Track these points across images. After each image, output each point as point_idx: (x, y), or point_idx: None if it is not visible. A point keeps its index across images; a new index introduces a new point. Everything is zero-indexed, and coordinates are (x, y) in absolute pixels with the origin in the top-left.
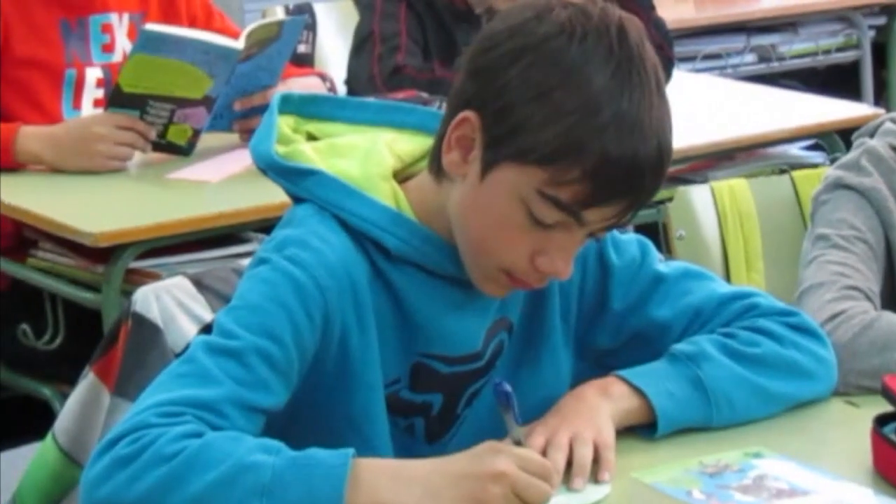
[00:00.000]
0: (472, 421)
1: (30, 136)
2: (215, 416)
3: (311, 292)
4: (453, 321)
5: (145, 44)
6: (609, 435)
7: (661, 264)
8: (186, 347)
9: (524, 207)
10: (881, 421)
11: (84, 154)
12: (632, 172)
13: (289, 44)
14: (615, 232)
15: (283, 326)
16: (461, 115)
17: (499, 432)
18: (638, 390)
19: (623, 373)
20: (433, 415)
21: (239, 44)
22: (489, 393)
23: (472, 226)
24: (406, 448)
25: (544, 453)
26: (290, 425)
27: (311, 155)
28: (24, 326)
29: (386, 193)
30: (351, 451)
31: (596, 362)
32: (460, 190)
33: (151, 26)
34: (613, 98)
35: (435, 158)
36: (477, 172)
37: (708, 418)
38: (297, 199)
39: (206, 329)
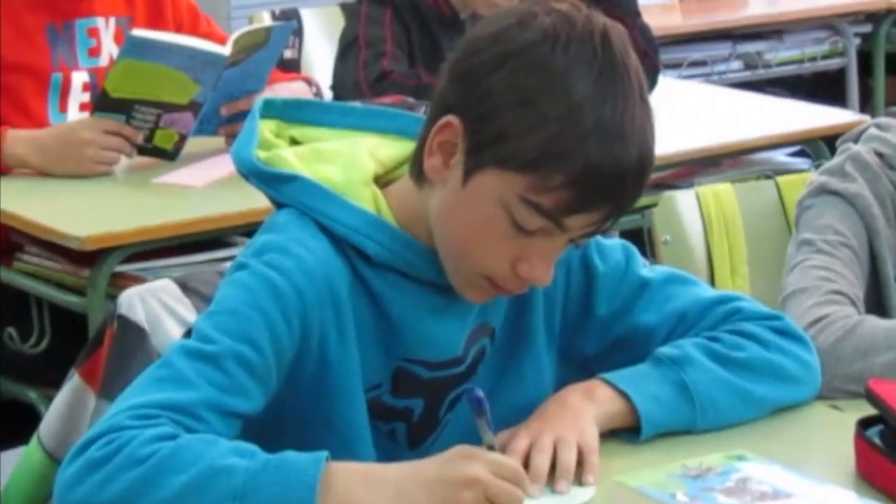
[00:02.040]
0: (454, 426)
1: (17, 140)
2: (191, 420)
3: (290, 298)
4: (434, 326)
5: (132, 49)
6: (593, 438)
7: (646, 269)
8: None
9: (506, 213)
10: (865, 424)
11: (70, 158)
12: (614, 180)
13: (276, 50)
14: (599, 238)
15: (261, 332)
16: (443, 119)
17: (480, 438)
18: (622, 394)
19: (607, 376)
20: (414, 420)
21: (226, 50)
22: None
23: (453, 231)
24: (388, 453)
25: (528, 456)
26: (271, 430)
27: (292, 160)
28: (10, 330)
29: (367, 199)
30: (325, 454)
31: (581, 368)
32: (441, 195)
33: (138, 32)
34: (596, 106)
35: (416, 163)
36: (459, 178)
37: (692, 422)
38: (278, 205)
39: (189, 334)
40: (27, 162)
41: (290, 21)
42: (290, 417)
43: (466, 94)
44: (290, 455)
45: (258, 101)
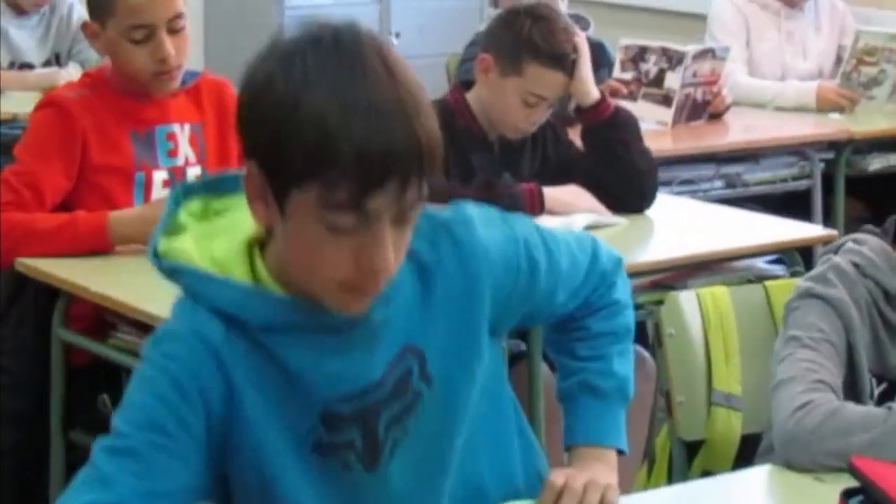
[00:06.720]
0: (411, 438)
1: (122, 221)
2: None
3: (185, 380)
4: (338, 365)
5: None
6: (615, 496)
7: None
8: None
9: (321, 223)
10: (847, 494)
11: None
12: (382, 156)
13: None
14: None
15: (167, 418)
16: (245, 168)
17: (440, 444)
18: (621, 451)
19: (612, 443)
20: (359, 449)
21: None
22: (419, 413)
23: (296, 259)
24: (351, 483)
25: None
26: (226, 487)
27: (188, 248)
28: (104, 397)
29: (244, 271)
30: None
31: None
32: (277, 237)
33: None
34: (340, 102)
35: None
36: (278, 213)
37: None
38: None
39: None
40: (135, 239)
41: None
42: (238, 486)
43: (248, 136)
44: None
45: (174, 190)
